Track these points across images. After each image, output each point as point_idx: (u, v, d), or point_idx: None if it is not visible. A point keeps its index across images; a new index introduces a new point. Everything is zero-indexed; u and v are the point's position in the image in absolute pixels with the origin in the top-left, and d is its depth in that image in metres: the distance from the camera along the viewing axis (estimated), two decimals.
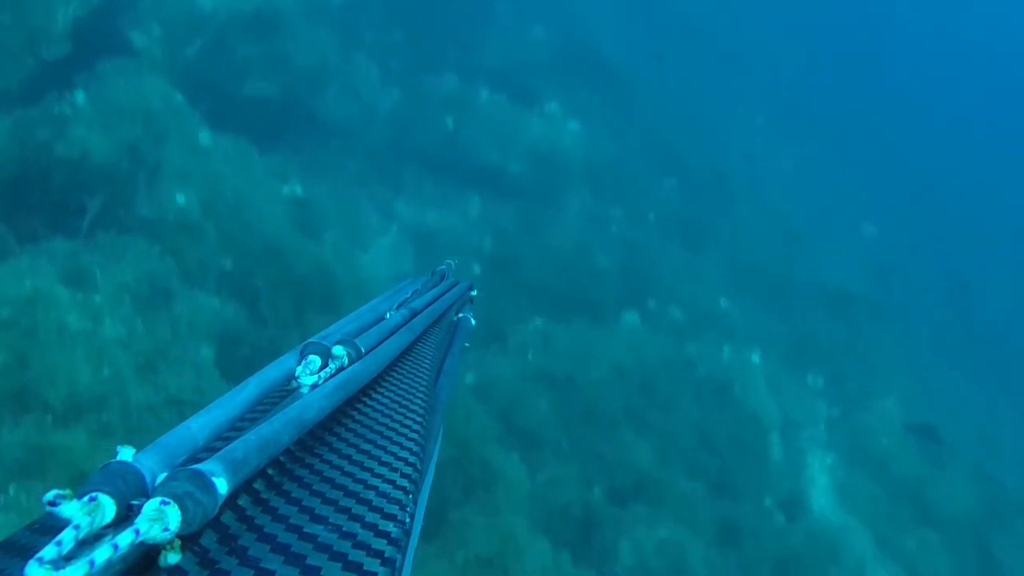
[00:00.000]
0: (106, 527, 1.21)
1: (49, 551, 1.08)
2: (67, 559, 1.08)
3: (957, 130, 41.96)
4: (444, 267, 4.59)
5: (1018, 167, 41.23)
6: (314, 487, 1.76)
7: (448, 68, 21.92)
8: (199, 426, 1.63)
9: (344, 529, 1.59)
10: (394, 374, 2.70)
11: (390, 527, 1.63)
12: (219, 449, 1.48)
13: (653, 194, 23.83)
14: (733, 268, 23.04)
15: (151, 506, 1.24)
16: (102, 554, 1.11)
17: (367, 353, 2.41)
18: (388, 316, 3.01)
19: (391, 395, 2.50)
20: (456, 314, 4.26)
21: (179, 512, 1.26)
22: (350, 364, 2.29)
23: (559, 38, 25.33)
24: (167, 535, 1.25)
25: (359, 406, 2.31)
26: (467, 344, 4.11)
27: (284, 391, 2.11)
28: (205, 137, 15.37)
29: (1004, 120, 44.86)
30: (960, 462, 21.24)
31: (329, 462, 1.91)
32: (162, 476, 1.35)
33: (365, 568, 1.46)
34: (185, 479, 1.33)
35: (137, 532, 1.19)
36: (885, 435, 20.98)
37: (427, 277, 4.39)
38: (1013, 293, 32.17)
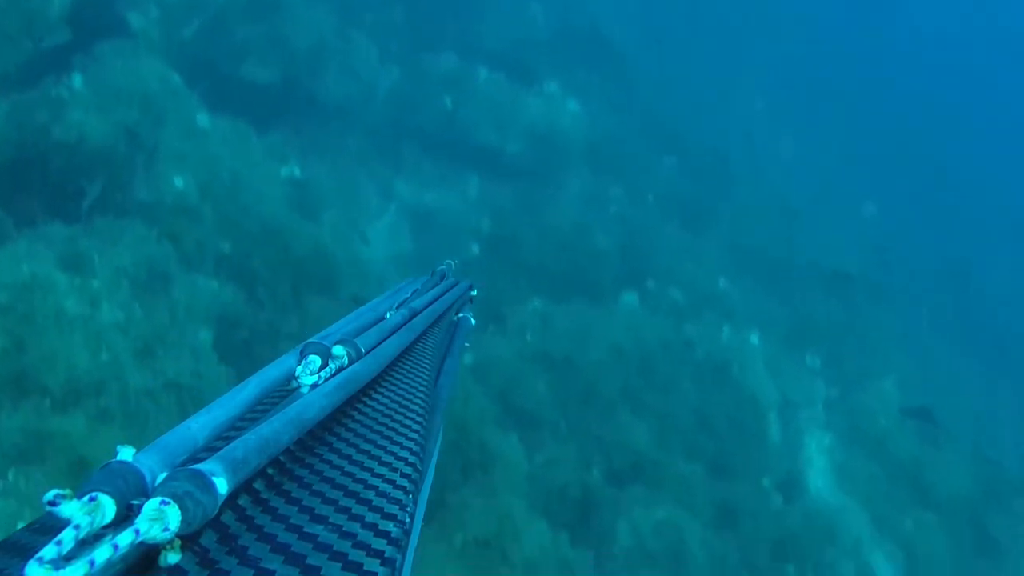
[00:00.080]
0: (106, 527, 1.22)
1: (49, 551, 1.08)
2: (67, 559, 1.09)
3: (958, 110, 41.86)
4: (444, 267, 4.61)
5: (1020, 147, 41.17)
6: (314, 487, 1.77)
7: (447, 47, 21.83)
8: (199, 426, 1.65)
9: (344, 529, 1.60)
10: (394, 374, 2.71)
11: (390, 527, 1.64)
12: (219, 449, 1.49)
13: (652, 174, 23.77)
14: (732, 248, 23.01)
15: (151, 506, 1.25)
16: (102, 554, 1.12)
17: (367, 353, 2.42)
18: (388, 316, 3.02)
19: (391, 395, 2.51)
20: (456, 314, 4.27)
21: (179, 512, 1.27)
22: (350, 364, 2.30)
23: (558, 17, 25.23)
24: (167, 535, 1.26)
25: (359, 406, 2.31)
26: (467, 344, 4.11)
27: (284, 391, 2.12)
28: (203, 119, 15.34)
29: (1005, 100, 44.76)
30: (958, 443, 21.27)
31: (329, 462, 1.91)
32: (162, 476, 1.36)
33: (365, 568, 1.47)
34: (185, 479, 1.33)
35: (137, 532, 1.20)
36: (883, 416, 21.00)
37: (427, 277, 4.40)
38: (1012, 274, 32.17)
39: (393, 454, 2.05)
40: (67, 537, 1.12)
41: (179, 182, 13.85)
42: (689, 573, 14.71)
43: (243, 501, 1.61)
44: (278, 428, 1.68)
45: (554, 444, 15.58)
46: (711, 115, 27.66)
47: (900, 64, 42.04)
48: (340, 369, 2.24)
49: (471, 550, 12.69)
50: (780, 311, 22.16)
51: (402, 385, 2.64)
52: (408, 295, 3.60)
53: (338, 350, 2.29)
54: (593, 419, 16.41)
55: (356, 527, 1.61)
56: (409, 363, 2.91)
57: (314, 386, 2.11)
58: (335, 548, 1.51)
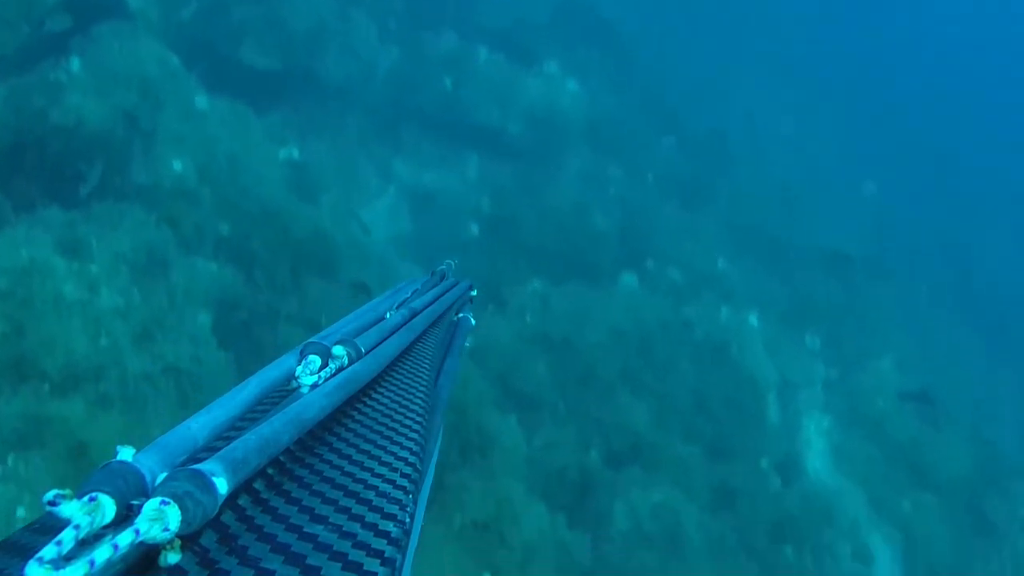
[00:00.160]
0: (106, 527, 1.22)
1: (49, 551, 1.09)
2: (67, 559, 1.09)
3: (958, 88, 41.76)
4: (444, 267, 4.60)
5: (1020, 125, 41.05)
6: (314, 487, 1.77)
7: (447, 27, 21.78)
8: (199, 426, 1.64)
9: (344, 529, 1.60)
10: (394, 374, 2.71)
11: (390, 527, 1.64)
12: (219, 449, 1.49)
13: (652, 154, 23.73)
14: (732, 228, 22.99)
15: (151, 506, 1.25)
16: (102, 554, 1.12)
17: (367, 353, 2.41)
18: (388, 316, 3.01)
19: (391, 395, 2.51)
20: (456, 314, 4.27)
21: (179, 512, 1.27)
22: (350, 364, 2.29)
23: None
24: (167, 535, 1.26)
25: (359, 406, 2.31)
26: (467, 344, 4.12)
27: (284, 391, 2.11)
28: (202, 101, 15.31)
29: (1005, 78, 44.65)
30: (956, 424, 21.28)
31: (329, 462, 1.91)
32: (162, 476, 1.36)
33: (365, 568, 1.47)
34: (185, 479, 1.33)
35: (137, 532, 1.20)
36: (882, 397, 21.03)
37: (427, 277, 4.40)
38: (1012, 253, 32.13)
39: (393, 454, 2.05)
40: (67, 537, 1.12)
41: (178, 165, 13.83)
42: (686, 555, 14.76)
43: (243, 501, 1.61)
44: (278, 428, 1.68)
45: (553, 426, 15.61)
46: (711, 95, 27.60)
47: (900, 43, 41.93)
48: (340, 369, 2.24)
49: (469, 532, 12.74)
50: (779, 291, 22.16)
51: (402, 385, 2.64)
52: (408, 295, 3.59)
53: (338, 350, 2.29)
54: (592, 401, 16.44)
55: (356, 527, 1.61)
56: (409, 363, 2.91)
57: (314, 386, 2.10)
58: (335, 548, 1.52)
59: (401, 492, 1.82)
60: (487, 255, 18.50)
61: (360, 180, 18.35)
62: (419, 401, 2.54)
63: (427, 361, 3.07)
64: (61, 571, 1.06)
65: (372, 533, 1.60)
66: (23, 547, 1.32)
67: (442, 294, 4.05)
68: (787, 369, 20.12)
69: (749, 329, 20.29)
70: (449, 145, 20.31)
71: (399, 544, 1.59)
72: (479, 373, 14.96)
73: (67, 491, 1.20)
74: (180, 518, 1.27)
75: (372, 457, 2.00)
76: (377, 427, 2.21)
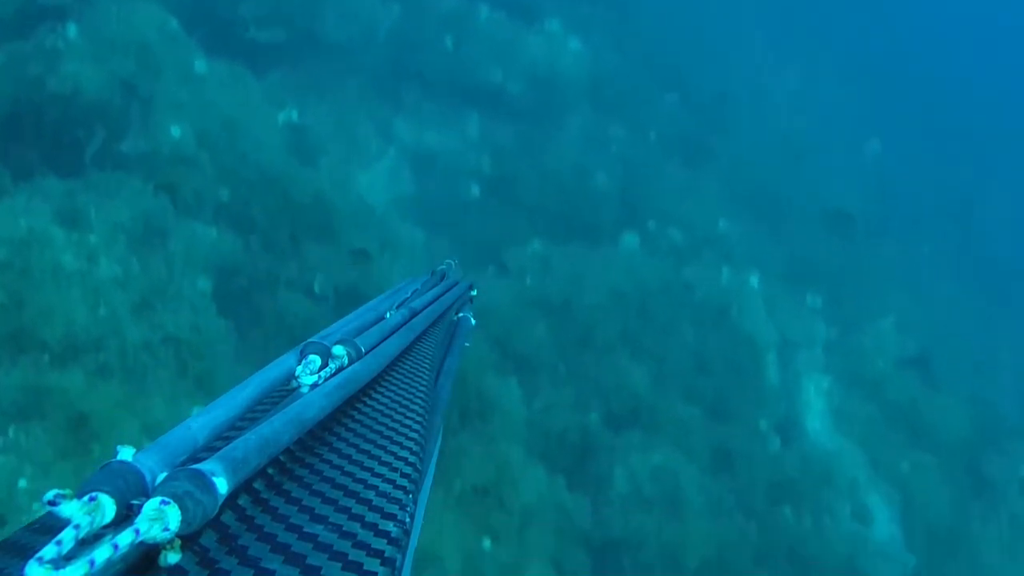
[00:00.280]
0: (106, 527, 1.22)
1: (49, 551, 1.09)
2: (67, 559, 1.10)
3: (963, 45, 41.42)
4: (444, 267, 4.60)
5: None
6: (314, 487, 1.77)
7: None
8: (199, 426, 1.64)
9: (344, 529, 1.60)
10: (394, 374, 2.70)
11: (390, 527, 1.63)
12: (219, 449, 1.49)
13: (654, 112, 23.60)
14: (733, 188, 22.88)
15: (151, 506, 1.26)
16: (102, 554, 1.12)
17: (367, 353, 2.42)
18: (388, 316, 3.01)
19: (391, 395, 2.50)
20: (456, 314, 4.27)
21: (179, 512, 1.27)
22: (350, 364, 2.30)
23: None
24: (167, 535, 1.27)
25: (359, 406, 2.31)
26: (468, 344, 4.13)
27: (284, 391, 2.11)
28: (200, 65, 15.23)
29: (1011, 35, 44.28)
30: (955, 385, 21.28)
31: (329, 462, 1.91)
32: (162, 476, 1.36)
33: (365, 568, 1.47)
34: (185, 479, 1.34)
35: (137, 532, 1.21)
36: (882, 358, 21.03)
37: (427, 277, 4.40)
38: (1016, 213, 31.97)
39: (393, 454, 2.04)
40: (67, 537, 1.12)
41: (176, 131, 13.79)
42: (685, 518, 14.83)
43: (243, 501, 1.61)
44: (278, 428, 1.68)
45: (552, 389, 15.65)
46: (714, 52, 27.39)
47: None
48: (340, 369, 2.24)
49: (469, 497, 12.80)
50: (781, 251, 22.09)
51: (402, 385, 2.64)
52: (408, 295, 3.58)
53: (338, 350, 2.29)
54: (592, 363, 16.47)
55: (356, 527, 1.61)
56: (409, 363, 2.90)
57: (314, 386, 2.11)
58: (335, 548, 1.51)
59: (401, 492, 1.81)
60: (488, 216, 18.48)
61: (360, 142, 18.28)
62: (419, 401, 2.53)
63: (427, 361, 3.06)
64: (61, 571, 1.07)
65: (372, 533, 1.60)
66: (23, 547, 1.32)
67: (442, 294, 4.05)
68: (787, 329, 20.11)
69: (749, 290, 20.25)
70: (450, 105, 20.21)
71: (399, 544, 1.58)
72: (479, 336, 14.98)
73: (67, 491, 1.21)
74: (180, 518, 1.27)
75: (372, 457, 2.00)
76: (377, 427, 2.21)
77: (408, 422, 2.31)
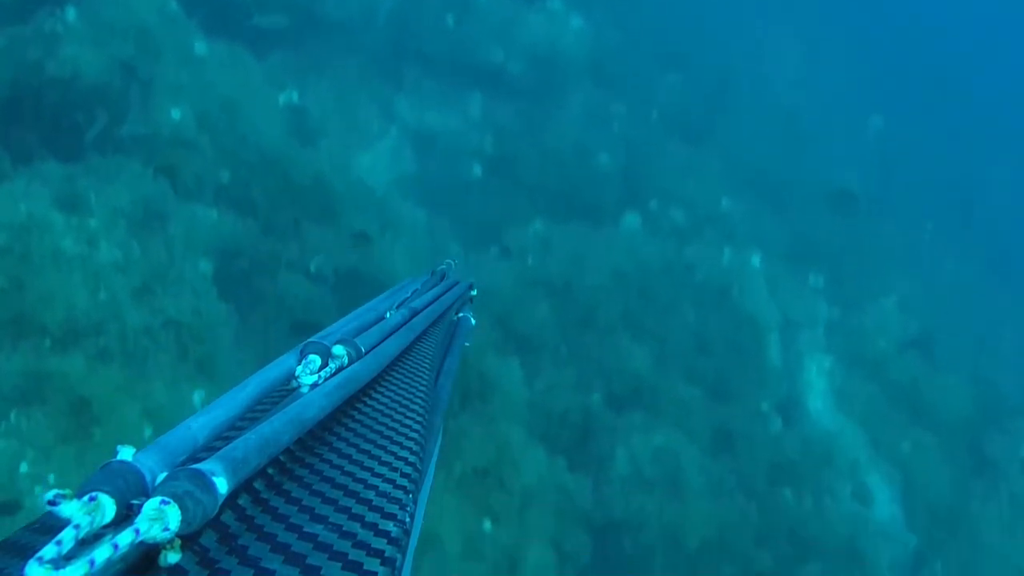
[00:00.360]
0: (106, 527, 1.22)
1: (49, 550, 1.09)
2: (67, 558, 1.10)
3: (966, 23, 41.18)
4: (444, 267, 4.59)
5: None
6: (314, 487, 1.77)
7: None
8: (199, 426, 1.64)
9: (344, 529, 1.60)
10: (394, 374, 2.71)
11: (390, 527, 1.64)
12: (219, 449, 1.50)
13: (656, 90, 23.51)
14: (736, 167, 22.76)
15: (151, 506, 1.26)
16: (102, 553, 1.12)
17: (367, 353, 2.42)
18: (388, 316, 3.02)
19: (391, 395, 2.51)
20: (456, 314, 4.27)
21: (179, 512, 1.27)
22: (350, 364, 2.30)
23: None
24: (167, 535, 1.27)
25: (359, 406, 2.31)
26: (468, 344, 4.13)
27: (284, 391, 2.12)
28: (201, 47, 15.19)
29: (1015, 12, 44.02)
30: (957, 365, 21.26)
31: (329, 462, 1.92)
32: (162, 476, 1.37)
33: (365, 568, 1.47)
34: (185, 479, 1.34)
35: (137, 532, 1.21)
36: (884, 338, 21.01)
37: (427, 276, 4.39)
38: (1018, 188, 31.82)
39: (393, 454, 2.04)
40: (67, 537, 1.13)
41: (176, 114, 13.77)
42: (686, 499, 14.87)
43: (243, 501, 1.61)
44: (278, 428, 1.69)
45: (554, 369, 15.66)
46: (715, 29, 27.22)
47: None
48: (340, 369, 2.24)
49: (469, 479, 12.84)
50: (783, 230, 22.01)
51: (402, 385, 2.64)
52: (408, 295, 3.58)
53: (338, 350, 2.30)
54: (593, 343, 16.48)
55: (356, 527, 1.62)
56: (409, 363, 2.91)
57: (314, 386, 2.11)
58: (335, 548, 1.52)
59: (401, 492, 1.82)
60: (489, 196, 18.45)
61: (361, 122, 18.23)
62: (419, 401, 2.53)
63: (427, 361, 3.06)
64: (61, 571, 1.07)
65: (372, 533, 1.60)
66: (23, 547, 1.32)
67: (442, 294, 4.05)
68: (789, 309, 20.09)
69: (751, 270, 20.21)
70: (451, 84, 20.14)
71: (399, 544, 1.59)
72: (480, 317, 14.98)
73: (67, 491, 1.21)
74: (180, 518, 1.28)
75: (372, 457, 2.00)
76: (377, 427, 2.21)
77: (408, 422, 2.31)
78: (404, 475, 1.92)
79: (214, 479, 1.37)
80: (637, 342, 16.85)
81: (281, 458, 1.82)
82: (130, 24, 13.75)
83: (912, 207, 26.91)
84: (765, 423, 17.42)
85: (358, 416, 2.24)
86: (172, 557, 1.32)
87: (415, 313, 3.28)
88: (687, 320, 17.96)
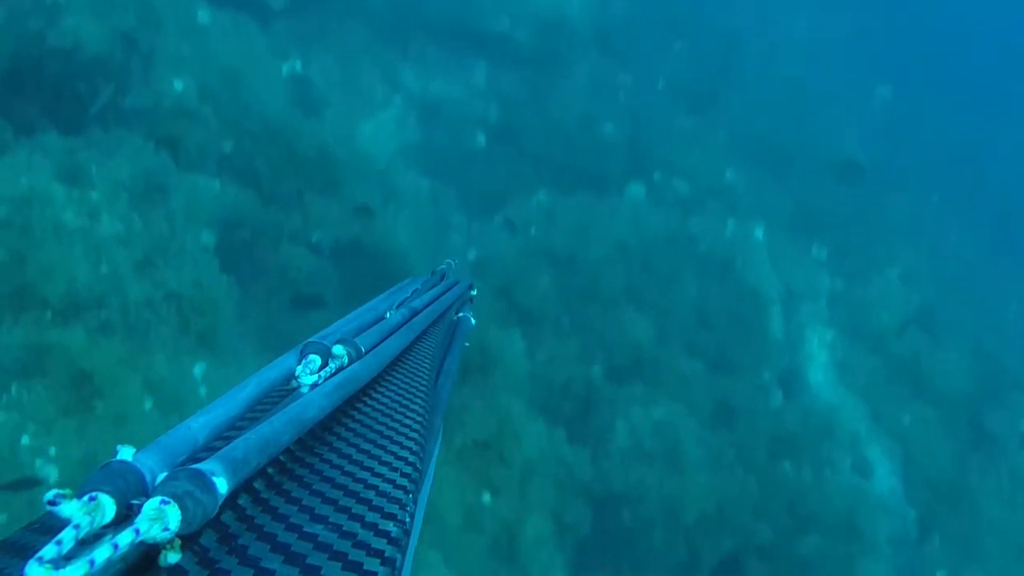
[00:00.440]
0: (106, 526, 1.22)
1: (49, 550, 1.09)
2: (67, 558, 1.10)
3: None
4: (444, 266, 4.59)
5: None
6: (314, 487, 1.77)
7: None
8: (199, 426, 1.64)
9: (344, 528, 1.60)
10: (394, 374, 2.70)
11: (390, 527, 1.63)
12: (219, 449, 1.50)
13: (662, 60, 23.38)
14: (741, 136, 22.68)
15: (151, 505, 1.26)
16: (102, 553, 1.13)
17: (367, 353, 2.42)
18: (388, 315, 3.02)
19: (391, 395, 2.50)
20: (456, 313, 4.27)
21: (179, 512, 1.28)
22: (350, 364, 2.30)
23: None
24: (167, 535, 1.27)
25: (359, 406, 2.31)
26: (467, 343, 4.13)
27: (284, 391, 2.12)
28: (203, 15, 15.14)
29: None
30: (959, 338, 21.23)
31: (329, 462, 1.92)
32: (162, 475, 1.37)
33: (365, 568, 1.47)
34: (185, 479, 1.34)
35: (137, 531, 1.21)
36: (886, 311, 20.99)
37: (427, 276, 4.39)
38: None
39: (393, 454, 2.04)
40: (67, 537, 1.13)
41: (179, 85, 13.74)
42: (686, 471, 14.92)
43: (243, 501, 1.61)
44: (278, 428, 1.69)
45: (556, 341, 15.69)
46: None
47: None
48: (340, 369, 2.24)
49: (470, 452, 12.89)
50: (787, 201, 21.92)
51: (402, 385, 2.63)
52: (408, 295, 3.57)
53: (338, 350, 2.29)
54: (596, 315, 16.49)
55: (356, 527, 1.61)
56: (409, 363, 2.90)
57: (314, 386, 2.11)
58: (335, 548, 1.51)
59: (401, 492, 1.81)
60: (494, 165, 18.42)
61: (365, 91, 18.16)
62: (419, 401, 2.52)
63: (427, 361, 3.05)
64: (61, 571, 1.07)
65: (372, 533, 1.60)
66: (23, 547, 1.32)
67: (442, 293, 4.04)
68: (792, 281, 20.05)
69: (754, 242, 20.17)
70: (456, 53, 20.05)
71: (399, 544, 1.58)
72: (483, 288, 14.98)
73: (67, 491, 1.21)
74: (180, 518, 1.28)
75: (372, 457, 2.00)
76: (377, 427, 2.20)
77: (408, 422, 2.30)
78: (404, 475, 1.92)
79: (214, 479, 1.38)
80: (639, 314, 16.86)
81: (281, 458, 1.82)
82: None
83: (918, 178, 26.74)
84: (766, 396, 17.44)
85: (358, 416, 2.24)
86: (172, 557, 1.32)
87: (415, 313, 3.28)
88: (689, 292, 17.95)
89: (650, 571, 14.12)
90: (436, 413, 2.74)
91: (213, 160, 13.60)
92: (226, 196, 13.41)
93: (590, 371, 15.62)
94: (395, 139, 17.91)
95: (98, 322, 10.61)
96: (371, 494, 1.78)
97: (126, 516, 1.25)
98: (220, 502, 1.38)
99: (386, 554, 1.53)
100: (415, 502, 1.83)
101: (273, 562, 1.43)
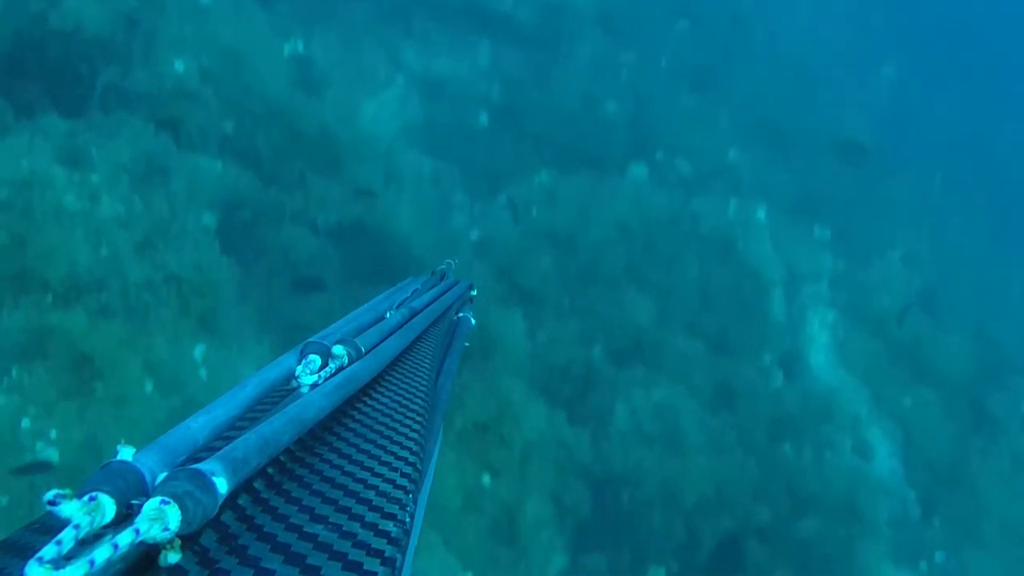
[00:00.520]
0: (106, 527, 1.23)
1: (49, 550, 1.09)
2: (67, 558, 1.10)
3: None
4: (444, 266, 4.58)
5: None
6: (314, 487, 1.77)
7: None
8: (199, 426, 1.65)
9: (344, 529, 1.60)
10: (394, 374, 2.71)
11: (390, 527, 1.64)
12: (219, 449, 1.50)
13: (665, 39, 23.29)
14: (744, 117, 22.61)
15: (151, 505, 1.26)
16: (102, 553, 1.13)
17: (367, 353, 2.43)
18: (388, 316, 3.02)
19: (391, 395, 2.50)
20: (456, 314, 4.27)
21: (179, 512, 1.28)
22: (350, 364, 2.30)
23: None
24: (167, 535, 1.27)
25: (359, 406, 2.31)
26: (467, 344, 4.12)
27: (284, 391, 2.12)
28: None
29: None
30: (961, 321, 21.22)
31: (329, 462, 1.92)
32: (162, 476, 1.37)
33: (365, 568, 1.47)
34: (185, 479, 1.34)
35: (137, 532, 1.21)
36: (888, 294, 20.97)
37: (427, 276, 4.38)
38: None
39: (393, 454, 2.04)
40: (67, 537, 1.13)
41: (180, 66, 13.71)
42: (686, 454, 14.95)
43: (243, 501, 1.62)
44: (278, 428, 1.69)
45: (556, 322, 15.68)
46: None
47: None
48: (340, 369, 2.25)
49: (470, 434, 12.92)
50: (790, 181, 21.86)
51: (402, 385, 2.63)
52: (408, 295, 3.57)
53: (338, 350, 2.30)
54: (597, 296, 16.48)
55: (356, 527, 1.62)
56: (409, 363, 2.90)
57: (314, 386, 2.12)
58: (335, 548, 1.52)
59: (401, 492, 1.82)
60: (496, 145, 18.37)
61: (367, 70, 18.09)
62: (419, 401, 2.52)
63: (427, 361, 3.05)
64: (61, 571, 1.08)
65: (372, 533, 1.60)
66: (23, 547, 1.33)
67: (442, 294, 4.03)
68: (794, 262, 20.02)
69: (756, 223, 20.14)
70: (459, 31, 19.97)
71: (399, 544, 1.59)
72: (484, 268, 15.01)
73: (67, 491, 1.21)
74: (180, 518, 1.28)
75: (372, 457, 2.00)
76: (377, 427, 2.20)
77: (408, 422, 2.31)
78: (404, 475, 1.92)
79: (214, 479, 1.38)
80: (641, 295, 16.86)
81: (281, 458, 1.83)
82: None
83: (921, 160, 26.69)
84: (767, 378, 17.45)
85: (358, 416, 2.24)
86: (172, 557, 1.33)
87: (415, 313, 3.28)
88: (691, 273, 17.94)
89: (650, 553, 14.15)
90: (436, 413, 2.74)
91: (214, 141, 13.58)
92: (227, 177, 13.39)
93: (591, 353, 15.62)
94: (397, 119, 17.84)
95: (98, 304, 10.62)
96: (371, 494, 1.79)
97: (126, 516, 1.26)
98: (220, 502, 1.39)
99: (386, 554, 1.53)
100: (415, 502, 1.83)
101: (273, 562, 1.43)
